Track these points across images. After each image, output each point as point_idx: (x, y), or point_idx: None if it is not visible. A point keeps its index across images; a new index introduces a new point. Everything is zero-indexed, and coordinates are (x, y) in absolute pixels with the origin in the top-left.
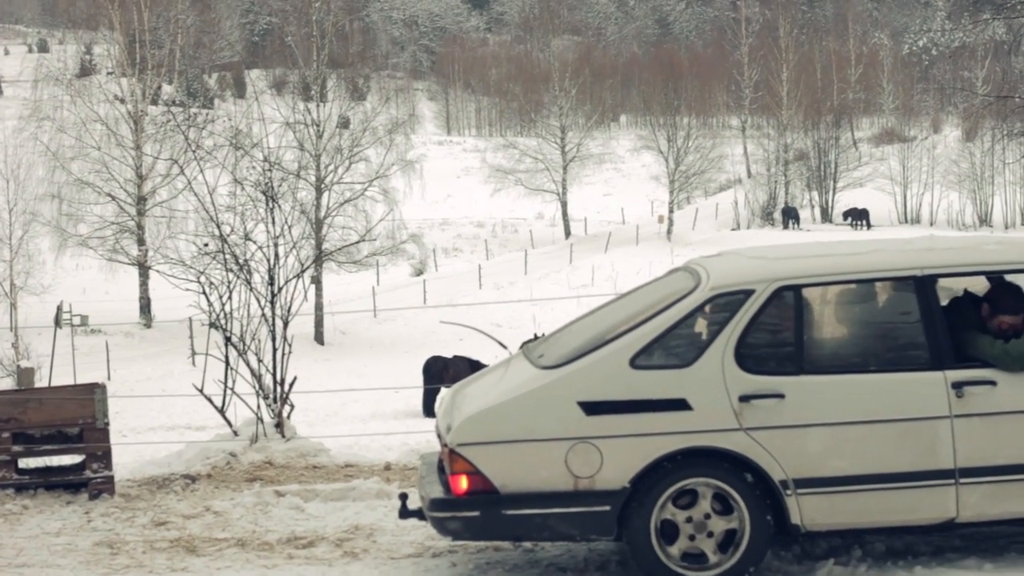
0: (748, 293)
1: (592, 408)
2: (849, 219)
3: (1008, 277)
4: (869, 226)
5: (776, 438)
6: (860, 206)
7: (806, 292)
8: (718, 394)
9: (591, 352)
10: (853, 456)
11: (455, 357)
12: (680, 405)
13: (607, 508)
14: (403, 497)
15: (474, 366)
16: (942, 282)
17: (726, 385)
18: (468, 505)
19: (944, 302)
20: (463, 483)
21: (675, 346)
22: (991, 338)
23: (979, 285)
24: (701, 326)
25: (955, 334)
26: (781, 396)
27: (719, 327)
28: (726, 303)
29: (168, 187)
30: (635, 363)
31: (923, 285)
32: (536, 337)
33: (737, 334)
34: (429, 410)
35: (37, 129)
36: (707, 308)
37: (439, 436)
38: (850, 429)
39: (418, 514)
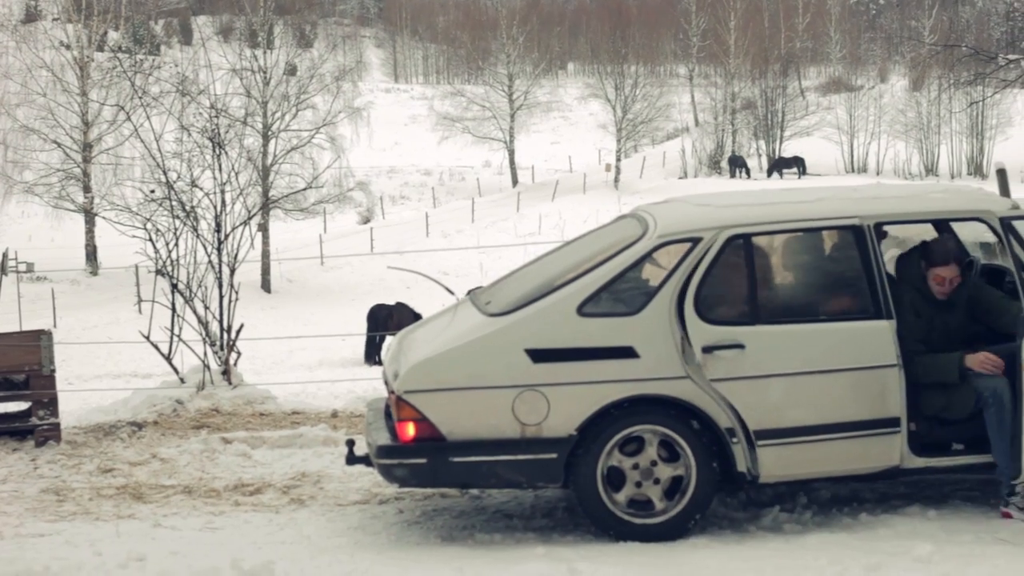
0: (696, 240)
1: (539, 356)
2: (774, 173)
3: (954, 225)
4: (804, 173)
5: (726, 387)
6: (788, 155)
7: (755, 240)
8: (665, 342)
9: (538, 299)
10: (806, 406)
11: (399, 304)
12: (627, 353)
13: (554, 456)
14: (350, 444)
15: (417, 316)
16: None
17: (673, 333)
18: (415, 452)
19: (893, 254)
20: (410, 430)
21: (622, 293)
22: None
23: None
24: (648, 273)
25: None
26: (741, 347)
27: (666, 275)
28: (674, 250)
29: (114, 134)
30: (582, 311)
31: (870, 233)
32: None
33: (684, 282)
34: (371, 357)
35: None
36: (654, 255)
37: (386, 383)
38: (797, 378)
39: (365, 461)
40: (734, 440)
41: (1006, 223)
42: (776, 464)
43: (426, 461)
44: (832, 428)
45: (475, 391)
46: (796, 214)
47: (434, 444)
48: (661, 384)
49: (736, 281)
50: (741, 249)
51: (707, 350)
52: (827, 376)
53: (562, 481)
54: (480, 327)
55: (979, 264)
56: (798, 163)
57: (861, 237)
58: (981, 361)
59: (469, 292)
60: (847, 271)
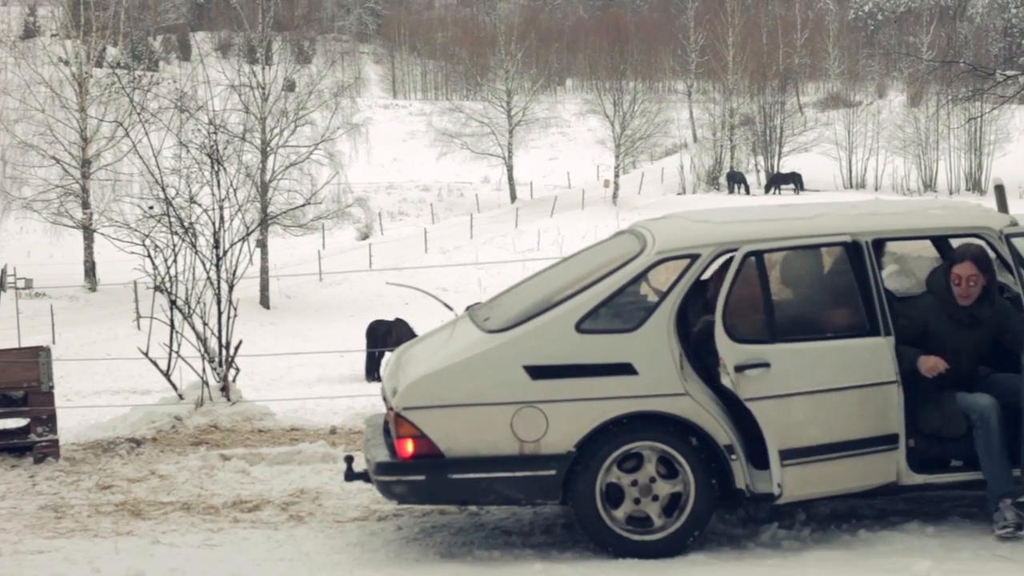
0: (694, 257)
1: (538, 372)
2: (771, 189)
3: (953, 241)
4: (801, 189)
5: (755, 406)
6: (786, 171)
7: (767, 256)
8: (664, 358)
9: (537, 316)
10: (823, 424)
11: (397, 320)
12: (626, 369)
13: (552, 472)
14: (349, 460)
15: (415, 333)
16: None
17: (672, 349)
18: (414, 469)
19: (891, 270)
20: (409, 447)
21: (621, 310)
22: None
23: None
24: (647, 290)
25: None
26: (767, 365)
27: (665, 291)
28: (672, 267)
29: (113, 150)
30: (581, 327)
31: (868, 249)
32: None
33: (683, 298)
34: (370, 373)
35: None
36: (652, 272)
37: (385, 399)
38: (816, 396)
39: (364, 477)
40: (733, 457)
41: (1005, 239)
42: (795, 484)
43: (425, 478)
44: (844, 446)
45: (473, 408)
46: (797, 230)
47: (433, 461)
48: (660, 401)
49: (755, 298)
50: (755, 266)
51: (739, 369)
52: (839, 394)
53: (560, 498)
54: (478, 343)
55: None
56: (795, 179)
57: (859, 253)
58: (930, 367)
59: (468, 308)
60: (848, 287)
